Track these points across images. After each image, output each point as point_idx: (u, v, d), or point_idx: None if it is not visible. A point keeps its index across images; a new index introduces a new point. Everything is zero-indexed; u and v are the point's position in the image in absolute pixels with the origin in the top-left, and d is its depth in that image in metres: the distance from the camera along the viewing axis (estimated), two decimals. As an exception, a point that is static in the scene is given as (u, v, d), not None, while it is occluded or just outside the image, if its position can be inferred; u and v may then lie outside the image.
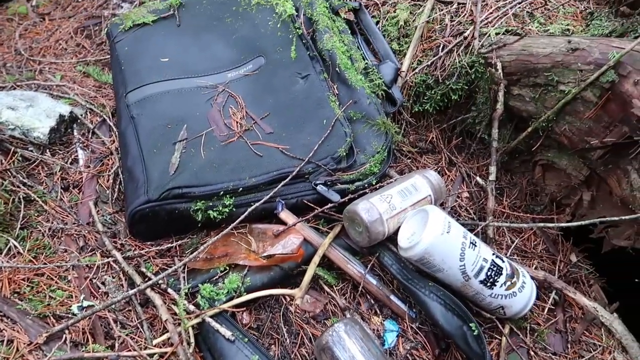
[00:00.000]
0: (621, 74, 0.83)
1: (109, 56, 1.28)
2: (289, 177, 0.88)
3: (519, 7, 1.07)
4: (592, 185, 0.98)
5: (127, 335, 0.75)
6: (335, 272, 0.89)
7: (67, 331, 0.73)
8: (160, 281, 0.79)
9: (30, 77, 1.20)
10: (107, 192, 0.95)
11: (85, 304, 0.77)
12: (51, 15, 1.49)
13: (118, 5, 1.47)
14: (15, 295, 0.76)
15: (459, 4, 1.12)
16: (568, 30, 1.00)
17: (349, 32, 1.12)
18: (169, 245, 0.87)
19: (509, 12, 1.06)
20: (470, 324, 0.77)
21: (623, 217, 0.81)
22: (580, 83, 0.87)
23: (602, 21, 1.00)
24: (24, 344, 0.70)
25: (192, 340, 0.73)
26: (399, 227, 0.86)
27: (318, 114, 0.97)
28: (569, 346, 0.89)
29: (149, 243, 0.88)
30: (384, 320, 0.86)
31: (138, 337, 0.75)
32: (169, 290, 0.79)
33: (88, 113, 1.09)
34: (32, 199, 0.89)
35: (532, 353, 0.87)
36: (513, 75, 0.97)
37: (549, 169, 1.04)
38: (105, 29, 1.32)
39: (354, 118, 0.98)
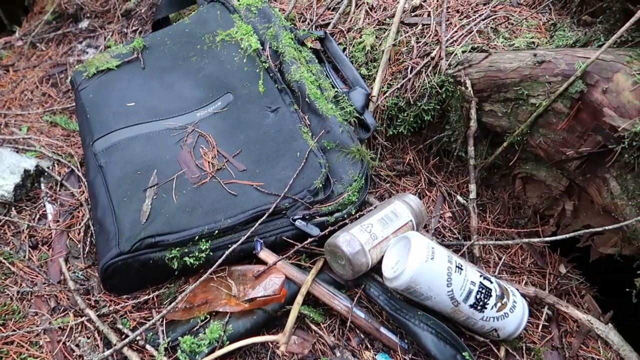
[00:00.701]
0: (589, 83, 0.83)
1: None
2: (266, 215, 0.86)
3: (483, 24, 1.07)
4: (573, 194, 0.97)
5: (105, 400, 0.71)
6: (322, 308, 0.86)
7: (40, 403, 0.68)
8: (137, 337, 0.75)
9: (-6, 132, 1.17)
10: (79, 246, 0.91)
11: (59, 370, 0.73)
12: (15, 66, 1.46)
13: (83, 51, 1.45)
14: (-17, 368, 0.72)
15: (423, 25, 1.12)
16: (533, 43, 1.01)
17: (317, 61, 1.11)
18: (146, 297, 0.83)
19: (473, 29, 1.07)
20: (463, 353, 0.75)
21: (607, 227, 0.79)
22: (550, 95, 0.87)
23: (566, 32, 1.00)
24: (-6, 421, 0.66)
25: (175, 399, 0.69)
26: (383, 256, 0.84)
27: (291, 146, 0.95)
28: (568, 363, 0.87)
29: (124, 296, 0.84)
30: (375, 355, 0.83)
31: (117, 400, 0.71)
32: (147, 346, 0.75)
33: (55, 164, 1.06)
34: (-1, 261, 0.86)
35: (530, 374, 0.84)
36: (483, 92, 0.96)
37: (529, 182, 1.03)
38: (70, 77, 1.30)
39: (328, 148, 0.97)
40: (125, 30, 1.47)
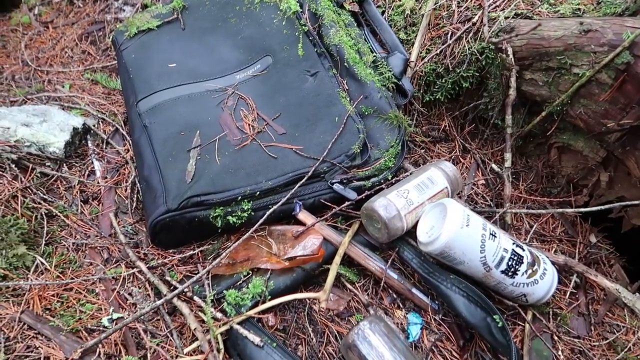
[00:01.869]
0: (636, 54, 0.81)
1: (115, 62, 1.29)
2: (305, 178, 0.89)
3: (527, -12, 1.05)
4: (609, 166, 0.97)
5: (157, 345, 0.77)
6: (356, 268, 0.90)
7: (100, 345, 0.74)
8: (185, 289, 0.81)
9: (39, 89, 1.21)
10: (126, 202, 0.96)
11: (115, 316, 0.79)
12: (54, 23, 1.48)
13: (120, 8, 1.46)
14: (47, 311, 0.78)
15: (465, -12, 1.10)
16: (579, 9, 0.98)
17: (355, 24, 1.11)
18: (191, 252, 0.88)
19: (517, -6, 1.04)
20: (494, 316, 0.78)
21: (643, 200, 0.80)
22: (595, 65, 0.86)
23: (614, -2, 0.97)
24: None
25: (222, 346, 0.75)
26: (418, 221, 0.87)
27: (330, 111, 0.97)
28: (593, 329, 0.89)
29: (171, 251, 0.89)
30: (407, 314, 0.87)
31: (169, 346, 0.77)
32: (195, 297, 0.81)
33: (100, 123, 1.10)
34: (54, 214, 0.91)
35: (555, 338, 0.87)
36: (525, 60, 0.95)
37: (565, 151, 1.03)
38: (110, 36, 1.32)
39: (366, 113, 0.98)
40: (161, -13, 1.46)
